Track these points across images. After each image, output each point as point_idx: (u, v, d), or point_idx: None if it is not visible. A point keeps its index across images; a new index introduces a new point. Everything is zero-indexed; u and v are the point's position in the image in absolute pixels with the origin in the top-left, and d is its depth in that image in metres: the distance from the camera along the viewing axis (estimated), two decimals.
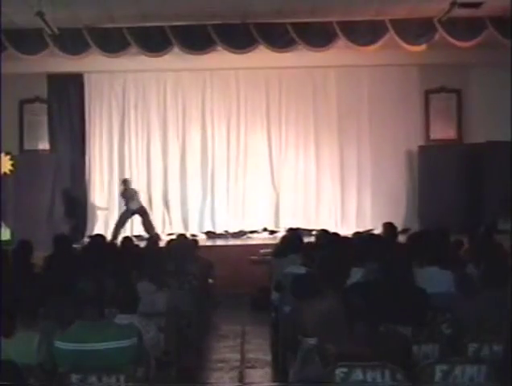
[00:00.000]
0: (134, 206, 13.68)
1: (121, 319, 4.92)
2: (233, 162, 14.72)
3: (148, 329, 4.89)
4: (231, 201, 14.65)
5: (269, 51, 12.89)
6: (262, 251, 11.20)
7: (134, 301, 5.18)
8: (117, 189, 14.50)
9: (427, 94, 14.60)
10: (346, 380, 4.07)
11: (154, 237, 11.02)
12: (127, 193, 13.75)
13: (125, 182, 13.92)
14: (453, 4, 11.30)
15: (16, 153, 13.99)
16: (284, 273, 7.24)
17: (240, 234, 14.22)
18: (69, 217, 14.11)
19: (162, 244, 9.88)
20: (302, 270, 6.68)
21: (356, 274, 6.09)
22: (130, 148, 14.68)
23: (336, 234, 9.15)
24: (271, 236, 13.66)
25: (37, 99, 14.41)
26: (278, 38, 12.74)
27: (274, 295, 7.45)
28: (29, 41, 12.55)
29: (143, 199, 14.28)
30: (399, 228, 11.27)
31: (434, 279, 6.13)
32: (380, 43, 12.75)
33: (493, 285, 5.08)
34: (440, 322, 5.12)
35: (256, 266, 10.71)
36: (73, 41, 12.59)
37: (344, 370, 4.08)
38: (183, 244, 9.09)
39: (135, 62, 13.44)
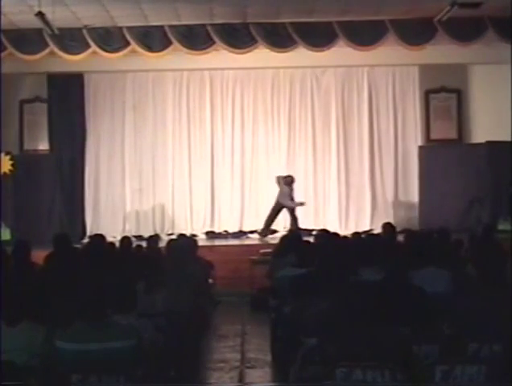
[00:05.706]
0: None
1: (118, 319, 4.92)
2: (234, 162, 14.71)
3: (145, 328, 4.88)
4: (232, 201, 14.65)
5: (269, 51, 12.91)
6: (262, 251, 11.22)
7: (132, 301, 5.17)
8: (115, 189, 14.53)
9: (427, 94, 14.59)
10: (346, 380, 4.07)
11: (154, 237, 11.02)
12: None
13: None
14: (453, 4, 11.31)
15: (16, 153, 13.98)
16: (277, 277, 7.23)
17: (240, 234, 14.22)
18: (69, 217, 14.10)
19: (162, 244, 9.87)
20: (295, 272, 6.65)
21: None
22: (130, 148, 14.66)
23: (336, 234, 9.16)
24: (271, 236, 13.65)
25: (37, 99, 14.39)
26: (278, 38, 12.75)
27: (272, 302, 7.43)
28: (29, 41, 12.57)
29: (143, 199, 14.31)
30: (399, 229, 11.27)
31: (434, 279, 6.13)
32: (380, 43, 12.76)
33: (493, 285, 5.07)
34: (440, 322, 5.11)
35: (256, 266, 10.72)
36: (73, 41, 12.61)
37: (344, 370, 4.08)
38: (183, 244, 9.08)
39: (135, 62, 13.44)
